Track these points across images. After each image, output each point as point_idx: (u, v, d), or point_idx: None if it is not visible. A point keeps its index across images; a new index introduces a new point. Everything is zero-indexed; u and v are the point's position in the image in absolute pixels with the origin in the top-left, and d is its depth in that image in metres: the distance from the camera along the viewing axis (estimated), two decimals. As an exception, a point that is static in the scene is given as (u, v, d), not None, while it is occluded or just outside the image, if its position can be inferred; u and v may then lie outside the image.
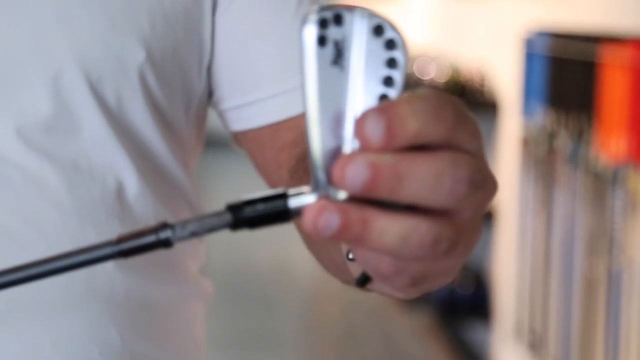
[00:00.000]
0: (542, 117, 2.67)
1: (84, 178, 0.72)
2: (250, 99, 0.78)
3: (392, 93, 0.44)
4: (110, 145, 0.72)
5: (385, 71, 0.44)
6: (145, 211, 0.76)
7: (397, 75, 0.44)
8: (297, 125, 0.77)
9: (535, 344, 2.77)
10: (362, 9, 0.44)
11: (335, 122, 0.44)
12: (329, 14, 0.43)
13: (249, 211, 0.45)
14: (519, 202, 2.91)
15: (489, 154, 3.37)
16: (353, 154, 0.42)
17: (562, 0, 2.76)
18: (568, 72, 2.56)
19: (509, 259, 3.08)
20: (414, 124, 0.42)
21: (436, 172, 0.42)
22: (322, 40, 0.43)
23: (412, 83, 4.06)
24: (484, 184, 0.44)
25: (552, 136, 2.62)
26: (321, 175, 0.44)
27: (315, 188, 0.44)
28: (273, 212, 0.45)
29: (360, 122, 0.42)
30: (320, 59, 0.43)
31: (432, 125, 0.42)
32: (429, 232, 0.43)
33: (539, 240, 2.74)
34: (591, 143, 2.37)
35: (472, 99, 3.36)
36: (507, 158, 3.11)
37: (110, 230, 0.73)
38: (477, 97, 3.35)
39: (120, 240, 0.47)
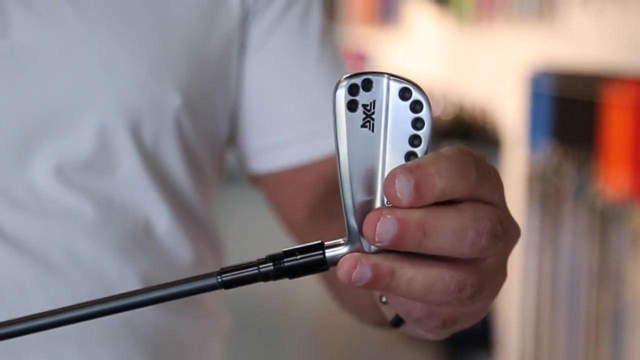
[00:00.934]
0: (548, 154, 2.70)
1: (118, 214, 0.74)
2: (274, 142, 0.80)
3: (419, 151, 0.47)
4: (144, 185, 0.75)
5: (412, 131, 0.47)
6: (174, 247, 0.79)
7: (423, 135, 0.47)
8: (316, 167, 0.80)
9: (540, 377, 2.78)
10: (390, 74, 0.47)
11: (366, 178, 0.47)
12: (358, 81, 0.46)
13: (288, 262, 0.48)
14: (523, 237, 2.93)
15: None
16: (382, 210, 0.46)
17: (567, 39, 2.78)
18: (573, 111, 2.59)
19: (514, 293, 3.08)
20: (440, 183, 0.45)
21: (459, 227, 0.46)
22: (352, 106, 0.46)
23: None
24: (506, 233, 0.48)
25: (556, 173, 2.65)
26: (354, 227, 0.47)
27: (349, 240, 0.48)
28: (311, 263, 0.48)
29: (389, 181, 0.46)
30: (350, 122, 0.46)
31: (457, 183, 0.46)
32: (452, 280, 0.47)
33: (544, 274, 2.75)
34: (595, 180, 2.40)
35: (476, 136, 3.39)
36: (511, 194, 3.14)
37: (141, 264, 0.76)
38: (481, 134, 3.38)
39: (222, 272, 0.50)
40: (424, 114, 0.47)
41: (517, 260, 3.02)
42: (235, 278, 0.50)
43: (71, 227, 0.73)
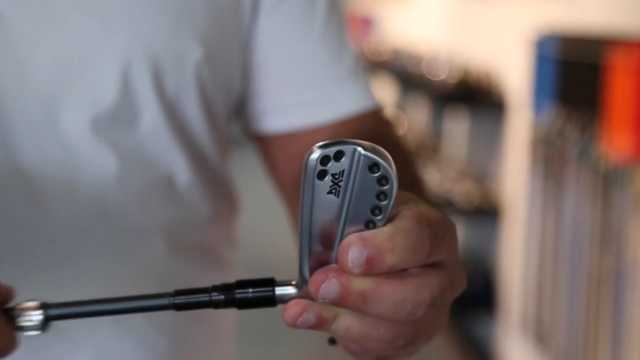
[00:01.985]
0: (551, 117, 2.70)
1: (141, 167, 0.75)
2: (272, 106, 0.81)
3: (379, 221, 0.49)
4: (165, 138, 0.75)
5: (375, 202, 0.48)
6: (194, 201, 0.80)
7: (385, 207, 0.48)
8: (308, 136, 0.81)
9: (542, 337, 2.80)
10: (362, 145, 0.47)
11: (324, 236, 0.49)
12: (331, 152, 0.47)
13: (240, 294, 0.51)
14: (526, 200, 2.94)
15: (498, 154, 3.41)
16: (329, 272, 0.49)
17: (571, 2, 2.78)
18: (577, 74, 2.59)
19: (516, 254, 3.09)
20: (392, 260, 0.48)
21: (399, 300, 0.49)
22: (321, 175, 0.48)
23: (422, 84, 4.08)
24: (448, 297, 0.51)
25: (560, 136, 2.65)
26: (305, 276, 0.50)
27: (300, 284, 0.51)
28: (261, 299, 0.51)
29: (343, 249, 0.48)
30: (317, 189, 0.48)
31: (409, 259, 0.48)
32: (387, 332, 0.50)
33: (547, 236, 2.77)
34: (598, 143, 2.41)
35: (481, 100, 3.39)
36: (515, 157, 3.15)
37: (163, 216, 0.77)
38: (486, 98, 3.39)
39: (176, 294, 0.52)
40: (388, 189, 0.48)
41: (520, 223, 3.03)
42: (187, 302, 0.52)
43: (98, 179, 0.73)
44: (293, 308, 0.50)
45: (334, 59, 0.81)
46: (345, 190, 0.48)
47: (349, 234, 0.48)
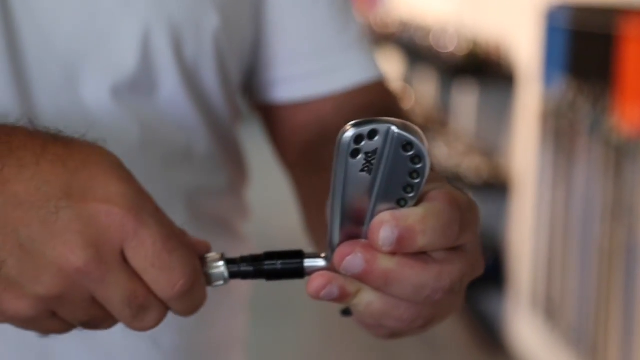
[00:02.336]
0: (562, 89, 2.69)
1: (161, 135, 0.75)
2: (278, 76, 0.81)
3: (410, 199, 0.49)
4: (184, 106, 0.75)
5: (408, 180, 0.48)
6: (211, 169, 0.80)
7: (417, 184, 0.49)
8: (313, 107, 0.81)
9: (551, 313, 2.80)
10: (396, 124, 0.47)
11: (356, 212, 0.49)
12: (365, 130, 0.47)
13: (268, 265, 0.52)
14: (536, 174, 2.93)
15: (507, 127, 3.39)
16: (356, 245, 0.49)
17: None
18: (588, 45, 2.57)
19: (526, 230, 3.09)
20: (422, 242, 0.49)
21: (420, 284, 0.50)
22: (354, 153, 0.47)
23: (430, 57, 4.06)
24: (466, 282, 0.52)
25: (571, 108, 2.64)
26: (335, 248, 0.51)
27: (330, 257, 0.51)
28: (290, 270, 0.53)
29: (374, 226, 0.49)
30: (350, 167, 0.48)
31: (438, 242, 0.49)
32: (407, 311, 0.52)
33: (557, 211, 2.76)
34: (610, 115, 2.39)
35: (490, 72, 3.37)
36: (525, 130, 3.13)
37: (184, 185, 0.77)
38: (495, 70, 3.36)
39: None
40: (421, 167, 0.48)
41: (530, 197, 3.02)
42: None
43: (119, 147, 0.72)
44: (318, 280, 0.51)
45: (340, 29, 0.82)
46: (378, 168, 0.48)
47: (381, 211, 0.49)
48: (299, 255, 0.53)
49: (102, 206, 0.49)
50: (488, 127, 3.72)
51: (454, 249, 0.51)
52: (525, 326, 3.08)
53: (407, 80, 5.54)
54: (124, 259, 0.49)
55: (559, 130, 2.73)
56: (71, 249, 0.47)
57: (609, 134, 2.40)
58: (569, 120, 2.65)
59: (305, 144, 0.80)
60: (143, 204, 0.50)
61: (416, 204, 0.49)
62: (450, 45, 3.75)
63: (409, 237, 0.48)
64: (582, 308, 2.59)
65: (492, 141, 3.61)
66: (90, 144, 0.53)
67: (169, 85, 0.74)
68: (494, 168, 3.42)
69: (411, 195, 0.49)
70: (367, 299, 0.51)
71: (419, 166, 0.48)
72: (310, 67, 0.81)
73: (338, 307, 0.55)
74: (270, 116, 0.84)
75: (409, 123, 0.48)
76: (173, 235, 0.50)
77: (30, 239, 0.48)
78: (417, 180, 0.48)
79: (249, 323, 0.91)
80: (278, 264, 0.52)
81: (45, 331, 0.51)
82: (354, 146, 0.47)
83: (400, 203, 0.49)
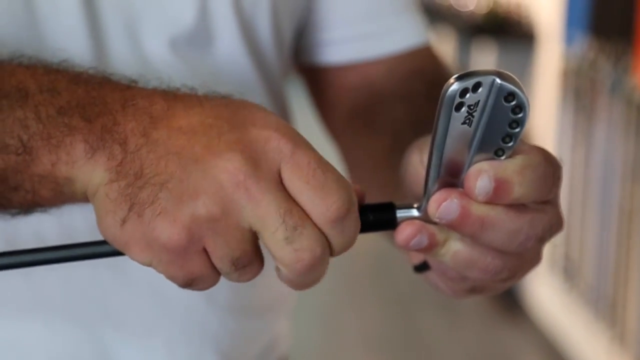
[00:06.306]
0: (584, 48, 2.66)
1: (219, 90, 0.75)
2: (326, 38, 0.80)
3: (508, 149, 0.50)
4: (241, 61, 0.74)
5: (507, 130, 0.49)
6: None
7: (517, 134, 0.49)
8: (362, 69, 0.80)
9: (570, 274, 2.79)
10: (498, 74, 0.48)
11: (454, 162, 0.50)
12: (470, 83, 0.47)
13: (361, 217, 0.51)
14: (556, 133, 2.91)
15: (527, 87, 3.37)
16: (451, 192, 0.50)
17: None
18: (610, 4, 2.54)
19: (545, 190, 3.08)
20: (518, 193, 0.49)
21: (514, 230, 0.50)
22: (458, 107, 0.48)
23: (449, 16, 4.03)
24: (552, 234, 0.52)
25: (592, 67, 2.62)
26: (429, 198, 0.51)
27: (424, 207, 0.51)
28: (384, 221, 0.52)
29: (472, 175, 0.49)
30: (453, 120, 0.48)
31: (533, 194, 0.50)
32: (493, 262, 0.52)
33: (577, 170, 2.75)
34: (632, 74, 2.37)
35: (511, 31, 3.34)
36: (545, 89, 3.11)
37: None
38: (516, 29, 3.33)
39: None
40: (522, 117, 0.49)
41: (550, 157, 3.00)
42: None
43: None
44: (407, 229, 0.51)
45: None
46: (479, 119, 0.48)
47: (478, 161, 0.49)
48: (391, 206, 0.52)
49: (261, 132, 0.50)
50: (508, 87, 3.69)
51: (543, 202, 0.51)
52: (543, 287, 3.08)
53: (426, 40, 5.50)
54: (281, 182, 0.49)
55: (580, 90, 2.71)
56: (233, 164, 0.48)
57: (630, 93, 2.38)
58: (589, 79, 2.63)
59: (353, 107, 0.79)
60: (298, 134, 0.51)
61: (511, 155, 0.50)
62: (470, 4, 3.73)
63: (506, 187, 0.49)
64: (600, 268, 2.58)
65: (511, 101, 3.59)
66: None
67: (227, 38, 0.73)
68: (514, 128, 3.40)
69: (510, 144, 0.49)
70: (454, 248, 0.51)
71: (519, 115, 0.48)
72: (362, 29, 0.80)
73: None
74: (318, 79, 0.83)
75: (508, 73, 0.48)
76: (327, 161, 0.51)
77: (192, 159, 0.49)
78: (516, 130, 0.49)
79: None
80: (370, 216, 0.52)
81: (190, 273, 0.50)
82: (459, 100, 0.47)
83: (498, 153, 0.49)
